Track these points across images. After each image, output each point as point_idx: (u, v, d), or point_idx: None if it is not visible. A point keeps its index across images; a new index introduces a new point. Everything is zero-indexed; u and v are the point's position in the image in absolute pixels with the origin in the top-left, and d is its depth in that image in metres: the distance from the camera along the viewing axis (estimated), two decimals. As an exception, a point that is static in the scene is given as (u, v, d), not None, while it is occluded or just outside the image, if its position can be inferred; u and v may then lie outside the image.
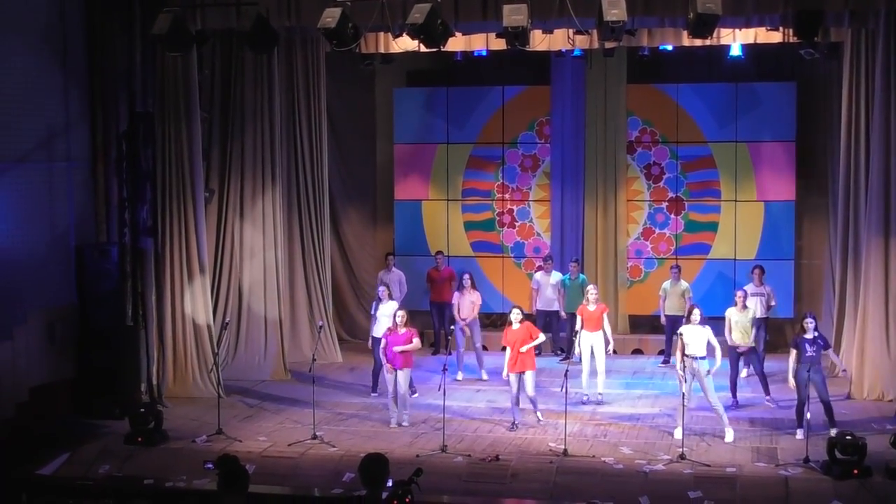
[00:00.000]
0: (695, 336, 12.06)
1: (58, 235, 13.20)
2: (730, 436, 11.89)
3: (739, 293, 13.65)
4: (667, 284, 15.78)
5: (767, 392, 13.45)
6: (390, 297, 14.17)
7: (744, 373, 14.75)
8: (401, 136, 18.01)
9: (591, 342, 13.64)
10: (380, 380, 13.76)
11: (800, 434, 11.75)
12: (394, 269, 16.52)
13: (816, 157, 16.63)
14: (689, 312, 12.40)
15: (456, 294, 15.37)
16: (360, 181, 18.27)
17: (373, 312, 14.16)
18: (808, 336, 11.89)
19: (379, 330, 13.64)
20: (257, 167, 15.15)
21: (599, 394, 13.66)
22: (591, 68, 16.82)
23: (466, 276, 15.34)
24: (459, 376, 15.03)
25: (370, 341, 14.31)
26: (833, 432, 11.44)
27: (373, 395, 14.08)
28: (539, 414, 12.59)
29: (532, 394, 12.51)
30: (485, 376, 15.00)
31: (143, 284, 13.84)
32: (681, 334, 12.15)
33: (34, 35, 12.88)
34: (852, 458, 10.60)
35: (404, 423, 12.59)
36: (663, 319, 15.80)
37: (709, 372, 11.95)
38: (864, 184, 13.93)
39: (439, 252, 16.97)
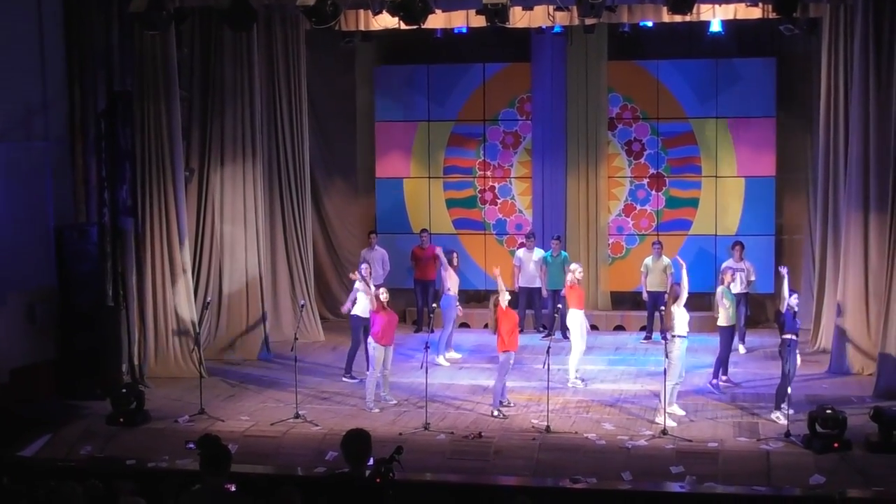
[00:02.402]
0: (679, 314, 12.08)
1: (36, 216, 13.11)
2: (671, 418, 11.67)
3: (728, 272, 13.59)
4: (648, 261, 15.83)
5: (716, 376, 13.21)
6: (371, 276, 14.09)
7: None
8: (381, 114, 17.95)
9: (579, 320, 13.58)
10: (354, 363, 13.76)
11: (775, 415, 11.73)
12: (376, 247, 16.50)
13: (796, 133, 16.68)
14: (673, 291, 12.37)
15: (444, 272, 15.19)
16: (341, 159, 18.21)
17: (354, 290, 14.01)
18: (796, 310, 11.92)
19: (358, 308, 13.64)
20: (238, 146, 15.08)
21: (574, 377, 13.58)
22: (571, 45, 16.77)
23: (455, 255, 15.31)
24: (453, 356, 14.96)
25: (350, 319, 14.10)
26: (774, 414, 11.66)
27: (345, 377, 13.82)
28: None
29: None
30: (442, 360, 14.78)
31: (124, 265, 13.78)
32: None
33: (10, 14, 12.74)
34: (833, 431, 10.67)
35: (391, 402, 12.55)
36: (645, 296, 15.86)
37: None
38: (844, 159, 13.99)
39: (424, 230, 16.96)
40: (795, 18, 13.56)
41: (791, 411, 11.34)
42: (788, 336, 11.73)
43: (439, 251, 15.19)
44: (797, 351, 11.79)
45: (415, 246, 16.85)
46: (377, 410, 12.34)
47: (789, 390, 11.47)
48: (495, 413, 12.04)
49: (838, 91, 14.04)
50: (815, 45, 15.08)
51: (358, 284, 13.47)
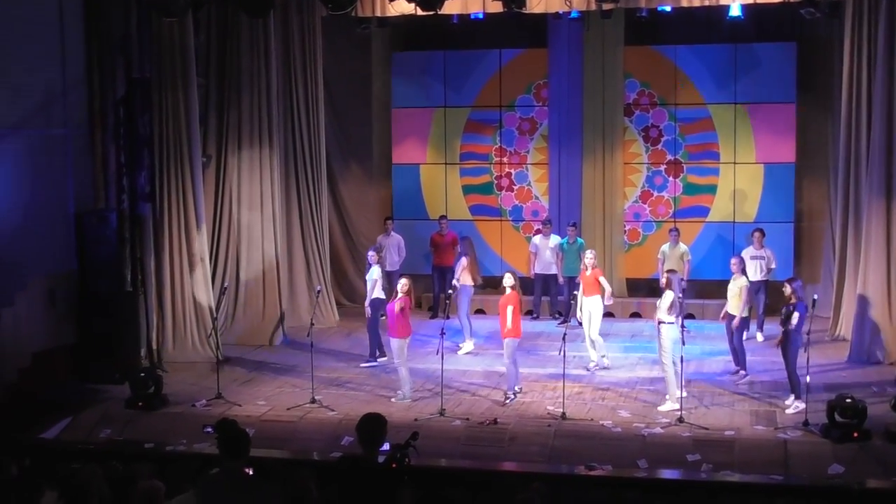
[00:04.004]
0: (664, 300, 12.01)
1: (57, 202, 13.18)
2: (666, 406, 11.67)
3: (733, 259, 13.39)
4: (665, 247, 15.76)
5: (741, 365, 12.97)
6: (378, 263, 14.06)
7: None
8: (398, 101, 17.94)
9: (587, 307, 13.54)
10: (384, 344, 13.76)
11: (789, 401, 11.70)
12: (393, 233, 16.54)
13: (817, 119, 16.55)
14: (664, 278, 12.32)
15: (465, 260, 14.90)
16: (358, 145, 18.21)
17: (367, 278, 14.16)
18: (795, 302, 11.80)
19: (376, 292, 13.79)
20: (254, 133, 15.11)
21: (602, 357, 13.53)
22: (588, 30, 16.71)
23: (463, 242, 15.31)
24: (471, 346, 14.84)
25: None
26: (789, 401, 11.60)
27: (380, 360, 13.96)
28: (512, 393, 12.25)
29: (507, 361, 12.34)
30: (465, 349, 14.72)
31: (142, 250, 13.86)
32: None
33: (31, 2, 12.78)
34: (852, 421, 10.58)
35: (399, 398, 12.29)
36: (662, 283, 15.77)
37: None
38: (866, 145, 13.86)
39: (443, 216, 16.94)
40: (817, 2, 13.45)
41: (796, 403, 11.36)
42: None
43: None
44: (795, 339, 11.58)
45: (433, 232, 16.86)
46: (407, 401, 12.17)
47: (808, 379, 11.37)
48: (509, 396, 12.11)
49: (861, 76, 13.88)
50: (837, 29, 14.93)
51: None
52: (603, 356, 13.60)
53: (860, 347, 13.65)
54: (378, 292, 13.82)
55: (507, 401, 12.07)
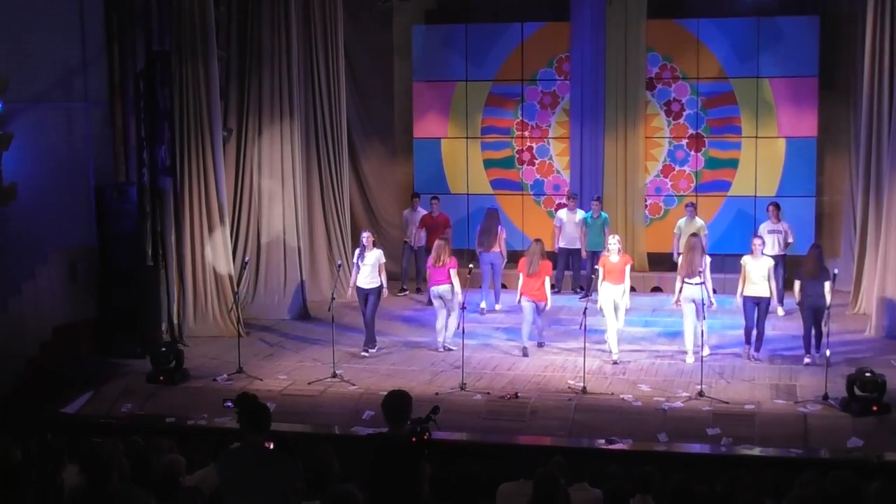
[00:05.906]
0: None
1: (77, 176, 13.22)
2: (690, 358, 12.40)
3: (756, 241, 12.89)
4: (682, 222, 15.69)
5: (757, 349, 12.72)
6: (375, 245, 13.28)
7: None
8: (419, 74, 17.88)
9: (612, 296, 12.98)
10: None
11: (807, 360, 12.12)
12: (419, 208, 16.53)
13: (839, 93, 16.40)
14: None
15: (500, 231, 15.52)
16: (379, 119, 18.19)
17: (355, 260, 13.26)
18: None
19: (361, 280, 13.14)
20: (275, 106, 15.09)
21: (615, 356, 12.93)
22: (611, 4, 16.59)
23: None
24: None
25: (350, 292, 13.43)
26: (806, 359, 12.08)
27: (370, 350, 13.39)
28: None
29: (540, 324, 13.19)
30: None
31: (163, 224, 13.88)
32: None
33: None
34: (872, 394, 10.57)
35: (451, 348, 13.07)
36: (677, 257, 15.68)
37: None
38: (888, 119, 13.78)
39: (434, 197, 16.79)
40: (840, -25, 13.31)
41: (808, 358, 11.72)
42: None
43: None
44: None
45: (425, 213, 16.72)
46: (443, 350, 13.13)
47: (828, 353, 11.44)
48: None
49: (883, 50, 13.77)
50: (860, 3, 14.78)
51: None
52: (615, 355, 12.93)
53: (880, 322, 13.58)
54: (376, 279, 13.12)
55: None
